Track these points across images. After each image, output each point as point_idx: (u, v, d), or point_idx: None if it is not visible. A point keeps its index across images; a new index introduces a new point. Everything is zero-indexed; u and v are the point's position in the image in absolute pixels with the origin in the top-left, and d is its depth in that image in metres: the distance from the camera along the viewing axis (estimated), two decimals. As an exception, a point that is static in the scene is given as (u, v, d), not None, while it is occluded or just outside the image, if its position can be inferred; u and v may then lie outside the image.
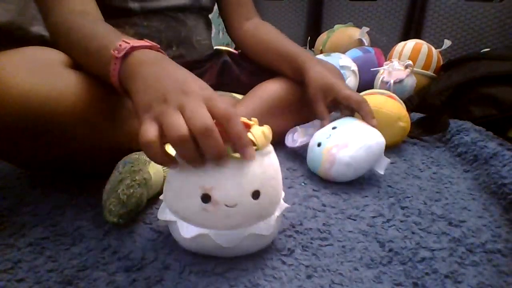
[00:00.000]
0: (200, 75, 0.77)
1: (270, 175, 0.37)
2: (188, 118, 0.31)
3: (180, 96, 0.33)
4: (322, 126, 0.62)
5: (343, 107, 0.64)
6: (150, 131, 0.31)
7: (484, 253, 0.42)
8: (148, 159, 0.48)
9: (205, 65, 0.79)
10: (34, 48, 0.43)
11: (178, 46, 0.72)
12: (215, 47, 0.84)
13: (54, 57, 0.44)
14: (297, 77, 0.68)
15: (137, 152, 0.49)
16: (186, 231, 0.36)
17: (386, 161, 0.58)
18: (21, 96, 0.38)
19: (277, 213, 0.39)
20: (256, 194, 0.36)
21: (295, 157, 0.68)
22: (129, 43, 0.39)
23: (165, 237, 0.43)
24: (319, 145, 0.59)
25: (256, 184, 0.35)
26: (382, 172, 0.58)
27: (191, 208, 0.35)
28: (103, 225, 0.45)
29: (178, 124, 0.31)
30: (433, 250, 0.43)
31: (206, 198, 0.34)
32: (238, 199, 0.34)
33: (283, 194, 0.42)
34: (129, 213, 0.44)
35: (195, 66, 0.76)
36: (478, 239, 0.45)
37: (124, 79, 0.39)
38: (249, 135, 0.35)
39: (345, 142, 0.56)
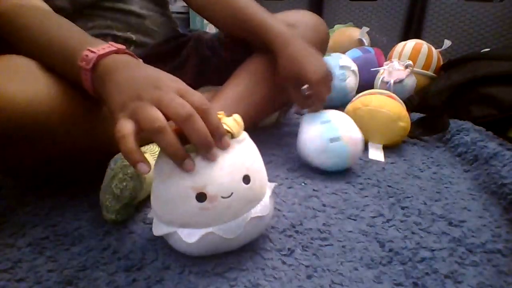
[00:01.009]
0: (179, 70, 0.74)
1: (252, 158, 0.38)
2: (167, 109, 0.32)
3: (154, 91, 0.33)
4: (297, 109, 0.63)
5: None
6: (125, 126, 0.32)
7: (484, 253, 0.42)
8: None
9: (180, 54, 0.76)
10: (13, 55, 0.43)
11: (135, 33, 0.69)
12: (189, 29, 0.82)
13: (32, 61, 0.43)
14: (266, 49, 0.63)
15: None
16: (190, 237, 0.36)
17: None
18: (5, 103, 0.38)
19: (268, 192, 0.41)
20: (246, 179, 0.37)
21: (295, 157, 0.68)
22: (94, 52, 0.38)
23: (165, 237, 0.43)
24: (332, 140, 0.58)
25: (243, 169, 0.36)
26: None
27: (189, 212, 0.35)
28: (103, 225, 0.45)
29: (155, 115, 0.31)
30: (433, 250, 0.42)
31: (201, 197, 0.35)
32: (233, 188, 0.35)
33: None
34: (125, 208, 0.44)
35: (167, 51, 0.73)
36: (478, 239, 0.45)
37: (97, 86, 0.39)
38: (225, 125, 0.36)
39: (350, 127, 0.61)
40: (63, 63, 0.42)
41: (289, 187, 0.57)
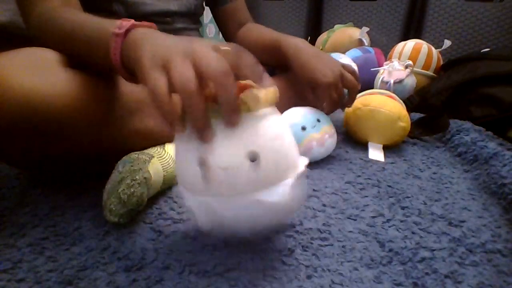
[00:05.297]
0: None
1: (271, 137, 0.34)
2: (202, 60, 0.30)
3: (188, 44, 0.32)
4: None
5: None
6: (160, 83, 0.30)
7: (484, 253, 0.42)
8: (147, 158, 0.48)
9: None
10: (32, 48, 0.43)
11: None
12: None
13: (52, 56, 0.44)
14: (283, 63, 0.67)
15: (137, 152, 0.49)
16: (189, 201, 0.36)
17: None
18: (21, 96, 0.38)
19: (291, 178, 0.35)
20: (253, 156, 0.33)
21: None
22: (130, 21, 0.38)
23: (165, 237, 0.43)
24: (303, 128, 0.61)
25: (251, 145, 0.33)
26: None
27: (191, 177, 0.34)
28: (103, 225, 0.45)
29: (187, 75, 0.29)
30: (433, 250, 0.43)
31: (202, 164, 0.33)
32: (232, 162, 0.32)
33: (303, 160, 0.38)
34: (130, 213, 0.44)
35: None
36: (478, 239, 0.45)
37: (127, 52, 0.37)
38: (242, 95, 0.33)
39: (324, 140, 0.63)
40: (93, 38, 0.42)
41: (289, 187, 0.57)
